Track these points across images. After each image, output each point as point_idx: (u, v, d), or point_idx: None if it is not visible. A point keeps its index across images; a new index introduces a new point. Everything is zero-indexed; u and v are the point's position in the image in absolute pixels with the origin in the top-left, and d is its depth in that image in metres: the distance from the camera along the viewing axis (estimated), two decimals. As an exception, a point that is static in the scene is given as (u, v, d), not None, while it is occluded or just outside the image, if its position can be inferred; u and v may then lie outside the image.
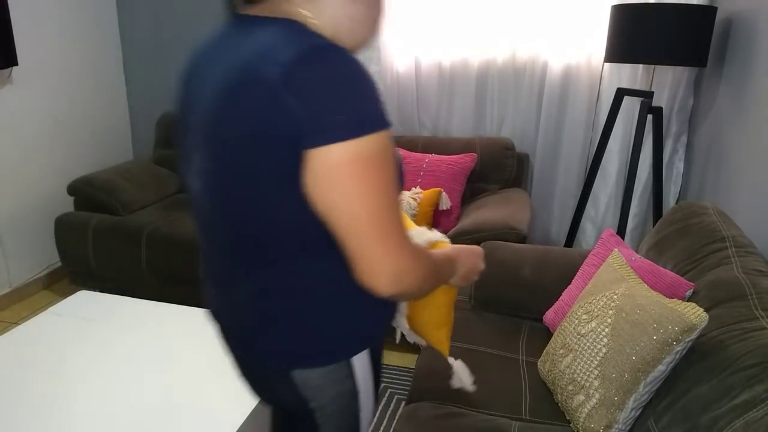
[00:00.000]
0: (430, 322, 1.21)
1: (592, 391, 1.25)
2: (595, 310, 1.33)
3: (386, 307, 0.99)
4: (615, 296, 1.30)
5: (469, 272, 1.08)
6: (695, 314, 1.11)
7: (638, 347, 1.17)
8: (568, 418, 1.34)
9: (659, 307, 1.17)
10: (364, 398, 0.99)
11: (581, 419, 1.26)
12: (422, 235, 1.11)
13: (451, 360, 1.24)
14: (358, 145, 0.73)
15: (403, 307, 1.21)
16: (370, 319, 0.96)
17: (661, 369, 1.14)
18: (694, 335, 1.10)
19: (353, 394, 0.97)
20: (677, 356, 1.13)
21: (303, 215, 0.80)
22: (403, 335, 1.26)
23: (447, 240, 1.20)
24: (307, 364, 0.92)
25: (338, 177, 0.74)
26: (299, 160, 0.74)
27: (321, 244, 0.84)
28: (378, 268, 0.79)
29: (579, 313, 1.39)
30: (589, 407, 1.24)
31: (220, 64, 0.80)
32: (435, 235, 1.20)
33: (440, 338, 1.22)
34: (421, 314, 1.21)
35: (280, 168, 0.75)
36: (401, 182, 0.87)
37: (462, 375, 1.22)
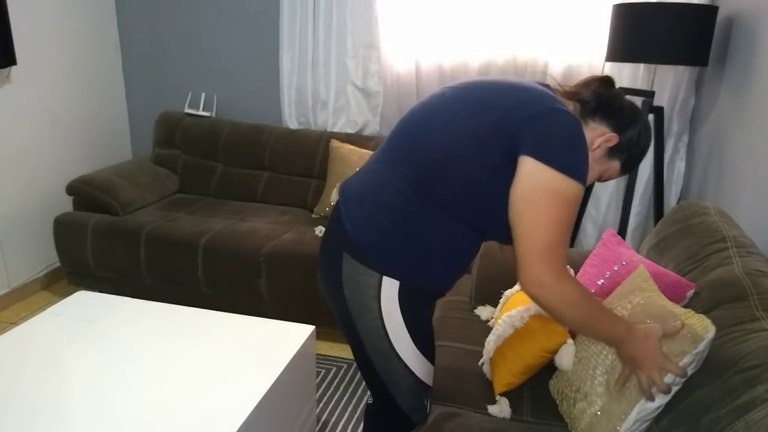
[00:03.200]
0: (510, 363, 1.41)
1: (595, 398, 1.23)
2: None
3: (441, 280, 1.17)
4: (629, 305, 1.27)
5: (644, 359, 1.09)
6: (701, 325, 1.08)
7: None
8: (567, 421, 1.33)
9: (671, 318, 1.13)
10: (391, 325, 1.14)
11: (581, 426, 1.25)
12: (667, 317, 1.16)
13: (498, 398, 1.41)
14: (563, 180, 0.99)
15: (498, 339, 1.45)
16: (425, 274, 1.14)
17: (668, 380, 1.10)
18: (700, 347, 1.07)
19: (377, 314, 1.14)
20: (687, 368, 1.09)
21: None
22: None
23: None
24: (353, 254, 1.13)
25: (538, 194, 1.00)
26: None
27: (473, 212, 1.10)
28: (528, 269, 1.02)
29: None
30: (590, 414, 1.22)
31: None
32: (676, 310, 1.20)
33: (503, 379, 1.42)
34: (507, 351, 1.42)
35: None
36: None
37: (503, 408, 1.37)
